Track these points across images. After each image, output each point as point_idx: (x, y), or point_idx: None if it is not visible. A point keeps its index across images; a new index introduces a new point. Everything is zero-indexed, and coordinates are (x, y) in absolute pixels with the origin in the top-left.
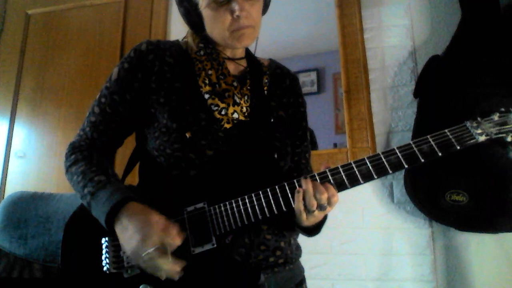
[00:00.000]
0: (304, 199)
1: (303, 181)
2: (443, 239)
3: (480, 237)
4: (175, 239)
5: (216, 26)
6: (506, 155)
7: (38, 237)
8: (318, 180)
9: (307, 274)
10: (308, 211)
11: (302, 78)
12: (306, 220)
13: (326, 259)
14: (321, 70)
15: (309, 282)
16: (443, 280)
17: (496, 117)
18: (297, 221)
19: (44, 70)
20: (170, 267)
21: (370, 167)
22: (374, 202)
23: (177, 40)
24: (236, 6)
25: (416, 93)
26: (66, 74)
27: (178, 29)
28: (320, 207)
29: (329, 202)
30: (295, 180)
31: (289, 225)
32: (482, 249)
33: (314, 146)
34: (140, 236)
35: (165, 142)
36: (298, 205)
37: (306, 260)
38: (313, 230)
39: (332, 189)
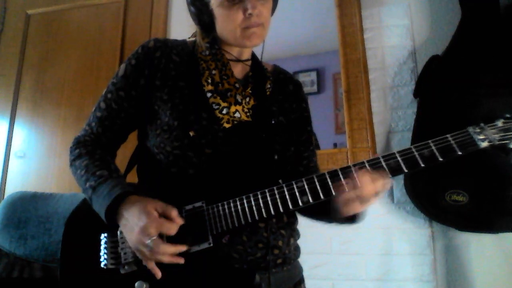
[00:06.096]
0: (358, 188)
1: (358, 172)
2: (443, 239)
3: (480, 237)
4: (173, 224)
5: (227, 24)
6: (510, 161)
7: (38, 237)
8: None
9: (307, 274)
10: (363, 200)
11: (302, 78)
12: (360, 207)
13: (326, 259)
14: (321, 70)
15: (309, 282)
16: (443, 280)
17: (500, 123)
18: (343, 211)
19: (44, 70)
20: (174, 250)
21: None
22: (374, 202)
23: (184, 40)
24: (249, 4)
25: (416, 93)
26: (66, 74)
27: (178, 29)
28: (376, 193)
29: (383, 189)
30: (293, 182)
31: (328, 217)
32: (482, 249)
33: (316, 147)
34: (140, 227)
35: (165, 140)
36: (348, 195)
37: (306, 260)
38: (358, 217)
39: (385, 175)
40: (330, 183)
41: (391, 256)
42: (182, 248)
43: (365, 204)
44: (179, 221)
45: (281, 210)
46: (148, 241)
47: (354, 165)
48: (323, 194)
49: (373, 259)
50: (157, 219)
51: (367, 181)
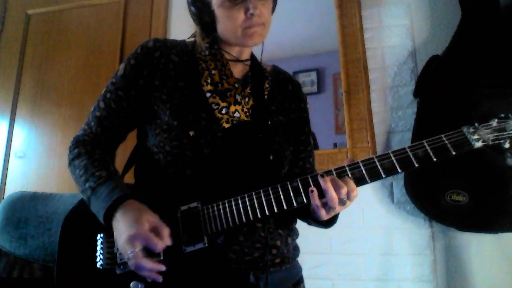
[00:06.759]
0: (324, 196)
1: (321, 180)
2: (443, 239)
3: (480, 237)
4: (161, 242)
5: (228, 24)
6: (504, 161)
7: (38, 237)
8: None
9: (307, 274)
10: (329, 207)
11: (302, 78)
12: (326, 215)
13: (326, 259)
14: (321, 70)
15: (309, 282)
16: (443, 280)
17: (494, 123)
18: (315, 216)
19: (44, 70)
20: (151, 267)
21: (364, 171)
22: (374, 202)
23: (184, 40)
24: (250, 5)
25: (416, 93)
26: (66, 74)
27: (178, 29)
28: (340, 201)
29: (349, 197)
30: (288, 182)
31: (305, 220)
32: (482, 249)
33: (315, 147)
34: (128, 235)
35: (165, 139)
36: (314, 203)
37: (306, 260)
38: (330, 222)
39: (351, 184)
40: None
41: (391, 256)
42: (161, 267)
43: (331, 211)
44: (167, 242)
45: (276, 210)
46: (129, 251)
47: (349, 166)
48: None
49: (373, 259)
50: (146, 233)
51: (330, 188)
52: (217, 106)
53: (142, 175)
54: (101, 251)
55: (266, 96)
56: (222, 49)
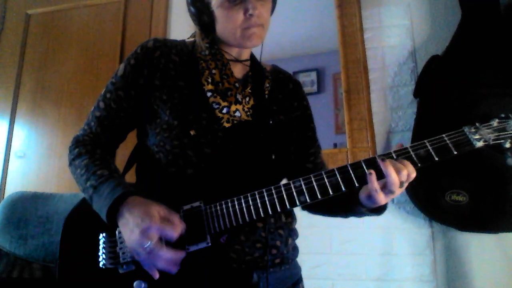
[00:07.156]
0: (383, 179)
1: (383, 164)
2: (443, 239)
3: (480, 237)
4: (176, 229)
5: (228, 24)
6: (504, 161)
7: (38, 237)
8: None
9: (306, 274)
10: (389, 191)
11: (302, 78)
12: (384, 199)
13: (326, 259)
14: (321, 70)
15: (309, 282)
16: (443, 280)
17: (495, 123)
18: (368, 202)
19: (44, 70)
20: (172, 256)
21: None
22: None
23: (184, 40)
24: (249, 5)
25: (416, 93)
26: (66, 74)
27: (178, 29)
28: (400, 184)
29: (408, 178)
30: (290, 182)
31: (353, 209)
32: (482, 249)
33: None
34: (140, 230)
35: (165, 139)
36: (372, 186)
37: (306, 260)
38: (382, 208)
39: (410, 165)
40: (327, 182)
41: (391, 256)
42: (181, 254)
43: (390, 195)
44: (182, 227)
45: (279, 209)
46: (147, 244)
47: (351, 165)
48: (320, 194)
49: (373, 259)
50: (160, 223)
51: (392, 172)
52: (217, 106)
53: (143, 174)
54: (104, 251)
55: (266, 96)
56: (222, 49)
